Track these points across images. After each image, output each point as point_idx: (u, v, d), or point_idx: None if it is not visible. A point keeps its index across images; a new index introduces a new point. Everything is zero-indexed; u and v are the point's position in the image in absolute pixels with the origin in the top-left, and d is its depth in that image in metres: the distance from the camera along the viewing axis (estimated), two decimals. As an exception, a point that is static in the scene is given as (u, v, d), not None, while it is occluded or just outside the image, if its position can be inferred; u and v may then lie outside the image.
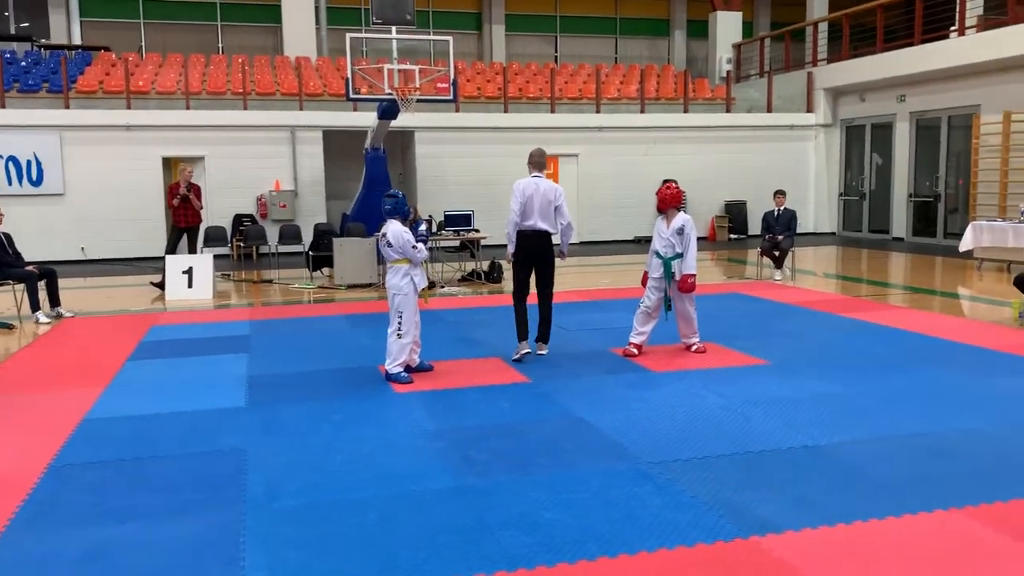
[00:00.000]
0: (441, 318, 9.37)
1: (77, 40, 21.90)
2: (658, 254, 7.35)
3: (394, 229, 6.63)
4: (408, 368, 6.77)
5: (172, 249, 12.17)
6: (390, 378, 6.59)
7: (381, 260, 6.94)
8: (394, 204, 6.74)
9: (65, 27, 21.94)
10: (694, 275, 7.26)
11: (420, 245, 6.67)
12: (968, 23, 16.05)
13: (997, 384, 6.23)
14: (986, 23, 15.82)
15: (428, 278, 7.31)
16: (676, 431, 5.24)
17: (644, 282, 7.51)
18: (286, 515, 4.01)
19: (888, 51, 17.83)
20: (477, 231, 13.01)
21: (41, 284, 9.86)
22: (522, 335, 7.31)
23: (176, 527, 3.89)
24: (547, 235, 7.16)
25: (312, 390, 6.39)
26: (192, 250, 12.20)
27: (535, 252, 7.21)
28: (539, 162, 7.31)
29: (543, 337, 7.38)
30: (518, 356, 7.23)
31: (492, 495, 4.23)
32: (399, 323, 6.58)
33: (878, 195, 19.27)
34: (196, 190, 12.20)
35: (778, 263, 12.48)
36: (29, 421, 5.69)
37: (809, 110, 20.14)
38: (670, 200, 7.36)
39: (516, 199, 7.09)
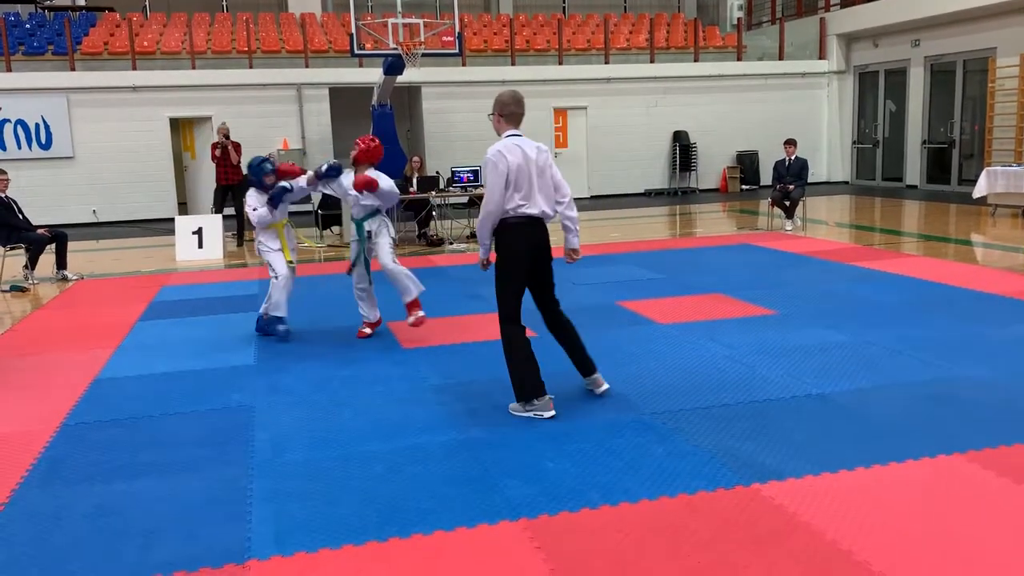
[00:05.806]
0: (448, 274, 9.38)
1: (80, 1, 21.71)
2: None
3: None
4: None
5: (219, 208, 12.66)
6: None
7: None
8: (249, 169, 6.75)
9: (68, -13, 21.76)
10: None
11: (257, 209, 6.51)
12: (985, -37, 15.66)
13: (1008, 331, 6.18)
14: (1003, -38, 15.44)
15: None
16: (680, 381, 5.26)
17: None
18: (292, 469, 4.07)
19: (903, -6, 17.45)
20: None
21: (51, 247, 9.96)
22: (538, 383, 4.74)
23: (184, 483, 3.95)
24: (545, 222, 4.86)
25: (320, 347, 6.43)
26: (239, 208, 12.11)
27: (536, 249, 4.80)
28: (516, 112, 4.90)
29: (591, 368, 5.06)
30: (548, 415, 4.69)
31: (496, 447, 4.27)
32: None
33: (892, 142, 19.00)
34: (235, 145, 12.76)
35: (789, 213, 12.38)
36: (41, 382, 5.77)
37: (822, 57, 19.79)
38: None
39: (495, 175, 4.69)
